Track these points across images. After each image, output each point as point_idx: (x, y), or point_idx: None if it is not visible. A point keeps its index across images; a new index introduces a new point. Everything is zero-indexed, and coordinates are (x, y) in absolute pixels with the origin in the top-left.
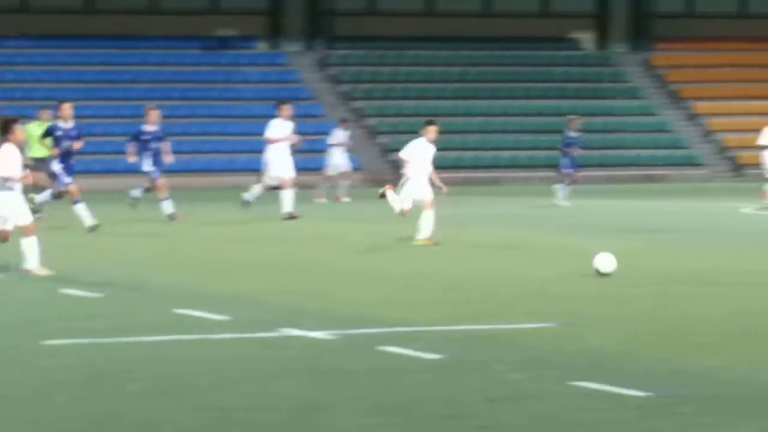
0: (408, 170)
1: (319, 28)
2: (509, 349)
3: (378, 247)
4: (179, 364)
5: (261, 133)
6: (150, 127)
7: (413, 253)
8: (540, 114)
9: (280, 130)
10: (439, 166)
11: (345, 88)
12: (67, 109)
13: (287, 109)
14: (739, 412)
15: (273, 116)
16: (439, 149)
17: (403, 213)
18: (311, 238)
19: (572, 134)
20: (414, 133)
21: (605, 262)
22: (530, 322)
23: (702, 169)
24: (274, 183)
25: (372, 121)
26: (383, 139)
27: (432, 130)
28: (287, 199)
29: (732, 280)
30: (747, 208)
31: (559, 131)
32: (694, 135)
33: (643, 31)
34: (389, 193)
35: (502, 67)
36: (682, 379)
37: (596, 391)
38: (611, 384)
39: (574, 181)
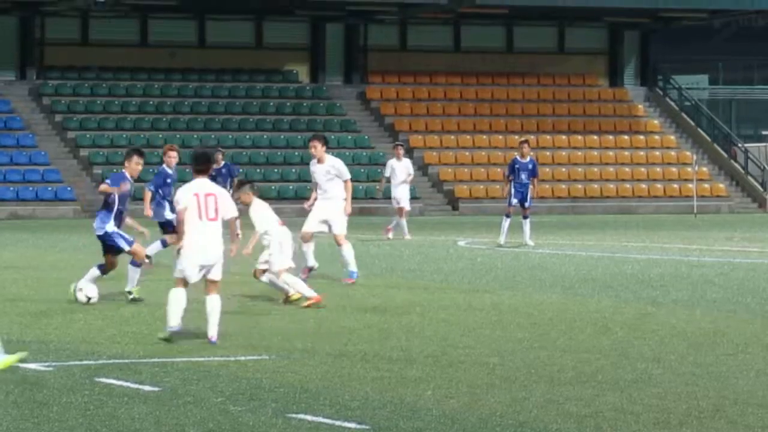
0: None
1: (30, 58)
2: (227, 382)
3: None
4: None
5: None
6: None
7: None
8: (256, 146)
9: None
10: None
11: (58, 118)
12: None
13: None
14: None
15: None
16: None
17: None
18: (25, 268)
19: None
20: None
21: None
22: (245, 355)
23: (417, 203)
24: None
25: (86, 152)
26: (98, 170)
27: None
28: None
29: (447, 312)
30: (463, 242)
31: (276, 163)
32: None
33: (357, 65)
34: None
35: (217, 98)
36: (398, 411)
37: (315, 423)
38: (330, 417)
39: None
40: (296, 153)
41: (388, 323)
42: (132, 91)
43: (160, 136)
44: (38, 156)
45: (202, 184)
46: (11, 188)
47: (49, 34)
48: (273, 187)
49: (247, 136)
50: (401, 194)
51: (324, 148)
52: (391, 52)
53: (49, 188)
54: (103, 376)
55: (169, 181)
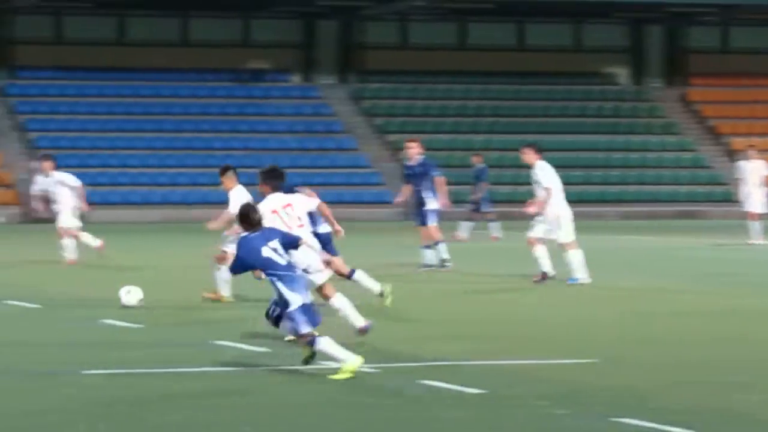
0: None
1: (351, 62)
2: (551, 385)
3: (415, 281)
4: (217, 395)
5: (294, 166)
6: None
7: (445, 289)
8: (575, 149)
9: None
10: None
11: (378, 121)
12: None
13: None
14: None
15: (305, 149)
16: (470, 184)
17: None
18: None
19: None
20: (448, 167)
21: (128, 295)
22: (571, 358)
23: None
24: None
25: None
26: None
27: None
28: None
29: None
30: None
31: (596, 166)
32: (731, 171)
33: (678, 67)
34: None
35: (535, 101)
36: (724, 417)
37: (640, 427)
38: (655, 421)
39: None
40: (616, 156)
41: (712, 329)
42: (451, 94)
43: (480, 139)
44: (359, 159)
45: (277, 197)
46: (333, 191)
47: (369, 38)
48: (593, 191)
49: (567, 139)
50: (753, 197)
51: (535, 155)
52: (713, 54)
53: (370, 191)
54: (427, 378)
55: (407, 172)
